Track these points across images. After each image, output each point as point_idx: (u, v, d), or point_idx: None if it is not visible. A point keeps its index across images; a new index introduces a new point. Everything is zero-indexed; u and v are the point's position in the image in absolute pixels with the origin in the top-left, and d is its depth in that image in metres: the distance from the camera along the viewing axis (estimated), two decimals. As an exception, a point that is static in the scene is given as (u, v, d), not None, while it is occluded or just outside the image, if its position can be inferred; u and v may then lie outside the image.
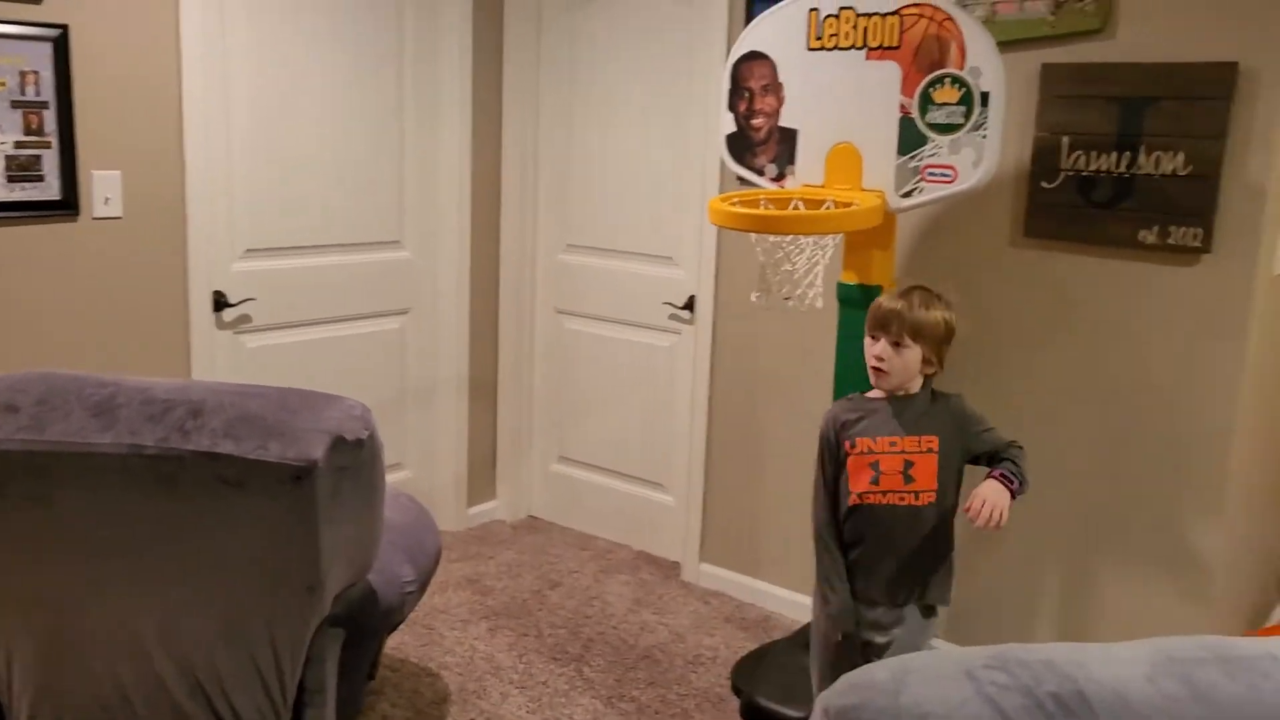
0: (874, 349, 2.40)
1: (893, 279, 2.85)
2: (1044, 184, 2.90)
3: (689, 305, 3.69)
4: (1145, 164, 2.75)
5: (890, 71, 2.66)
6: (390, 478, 3.91)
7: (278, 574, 2.13)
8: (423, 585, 2.69)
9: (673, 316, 3.77)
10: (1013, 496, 2.30)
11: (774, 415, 3.52)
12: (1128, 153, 2.76)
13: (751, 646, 3.29)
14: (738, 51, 2.89)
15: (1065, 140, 2.85)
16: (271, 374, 3.52)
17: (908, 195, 2.68)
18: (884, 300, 2.42)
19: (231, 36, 3.28)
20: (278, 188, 3.47)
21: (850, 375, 2.88)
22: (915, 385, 2.41)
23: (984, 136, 2.57)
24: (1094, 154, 2.81)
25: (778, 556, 3.57)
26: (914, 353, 2.36)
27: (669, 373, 3.82)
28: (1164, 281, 2.79)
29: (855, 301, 2.82)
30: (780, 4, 2.81)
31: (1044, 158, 2.88)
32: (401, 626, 3.31)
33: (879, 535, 2.39)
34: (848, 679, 1.27)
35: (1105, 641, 2.95)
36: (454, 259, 3.95)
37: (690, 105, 3.61)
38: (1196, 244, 2.70)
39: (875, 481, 2.37)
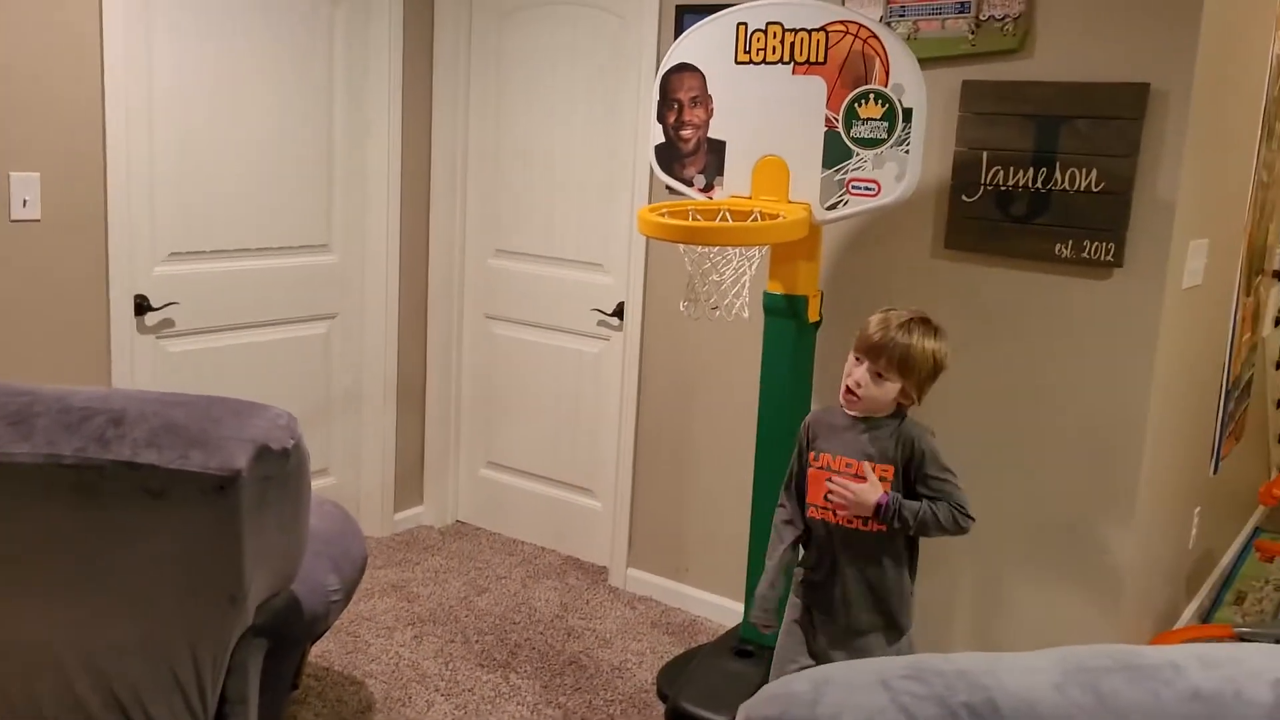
0: (854, 373, 2.30)
1: (818, 288, 2.91)
2: (964, 198, 2.97)
3: (618, 312, 3.72)
4: (1061, 180, 2.83)
5: (816, 86, 2.71)
6: (316, 484, 3.87)
7: (199, 584, 2.10)
8: (348, 594, 2.67)
9: (601, 323, 3.78)
10: (878, 515, 2.26)
11: (701, 422, 3.56)
12: (1044, 169, 2.85)
13: (678, 651, 3.32)
14: (667, 63, 2.92)
15: (985, 156, 2.93)
16: (195, 379, 3.46)
17: (833, 208, 2.74)
18: (879, 326, 2.29)
19: (156, 36, 3.21)
20: (203, 190, 3.41)
21: (775, 383, 2.93)
22: (886, 411, 2.34)
23: (906, 151, 2.64)
24: (1012, 170, 2.90)
25: (704, 561, 3.61)
26: (894, 386, 2.28)
27: (597, 379, 3.84)
28: (1078, 294, 2.88)
29: (781, 311, 2.87)
30: (709, 17, 2.84)
31: (964, 172, 2.96)
32: (326, 634, 3.27)
33: (825, 551, 2.39)
34: (767, 689, 1.30)
35: (1020, 646, 3.04)
36: (382, 263, 3.92)
37: (621, 115, 3.63)
38: (1109, 258, 2.80)
39: (826, 498, 2.36)
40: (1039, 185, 2.86)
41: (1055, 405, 2.94)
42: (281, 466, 2.10)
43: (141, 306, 3.29)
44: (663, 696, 3.05)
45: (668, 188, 3.04)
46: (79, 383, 3.14)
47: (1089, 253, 2.82)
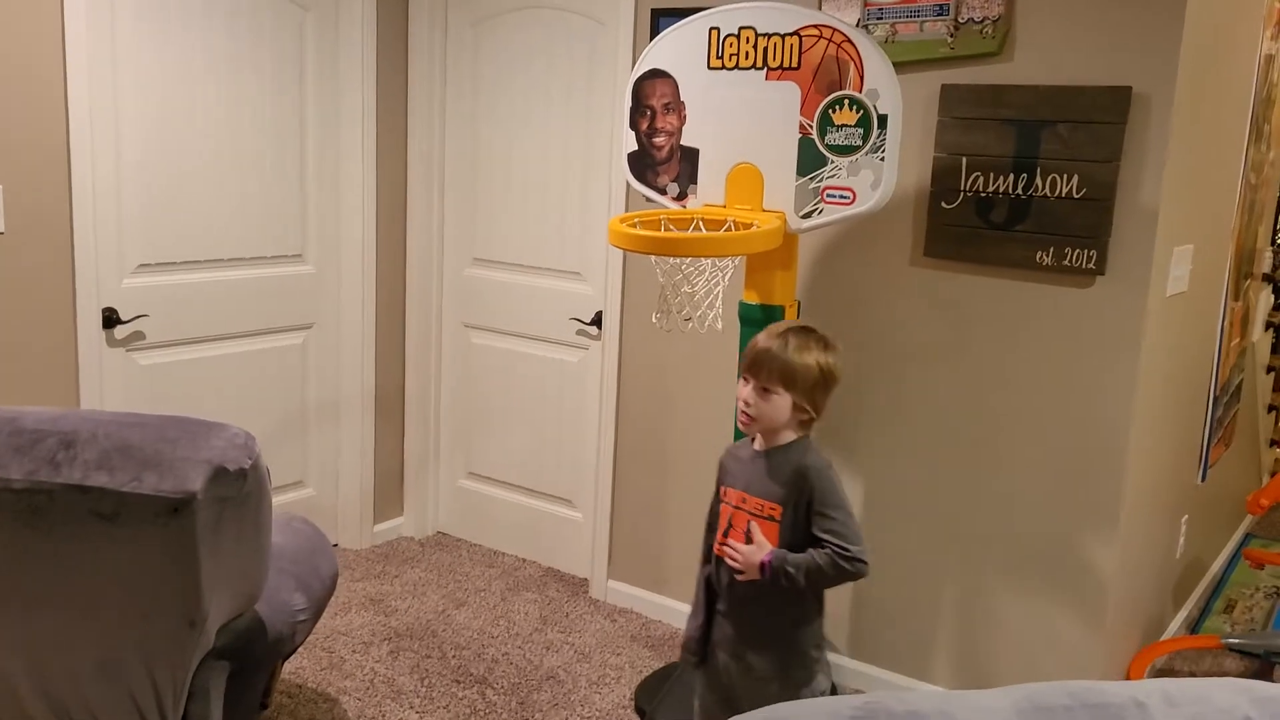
0: (743, 392, 2.20)
1: (794, 298, 2.86)
2: (944, 204, 2.92)
3: (596, 321, 3.67)
4: (1041, 186, 2.79)
5: (790, 92, 2.66)
6: (292, 495, 3.84)
7: (155, 608, 2.06)
8: (316, 612, 2.63)
9: (580, 332, 3.73)
10: (762, 574, 2.14)
11: (680, 431, 3.51)
12: (1024, 175, 2.80)
13: (657, 665, 3.27)
14: (639, 69, 2.87)
15: (964, 161, 2.88)
16: (167, 393, 3.41)
17: (808, 216, 2.69)
18: (759, 339, 2.22)
19: (121, 43, 3.16)
20: (173, 200, 3.36)
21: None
22: (787, 436, 2.21)
23: (882, 159, 2.59)
24: (992, 175, 2.85)
25: (685, 573, 3.56)
26: (783, 400, 2.15)
27: (577, 388, 3.79)
28: (1060, 302, 2.83)
29: (757, 321, 2.82)
30: (681, 22, 2.79)
31: (944, 178, 2.91)
32: (301, 650, 3.23)
33: (730, 593, 2.25)
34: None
35: (1003, 662, 2.99)
36: (358, 273, 3.87)
37: (596, 122, 3.58)
38: (1091, 266, 2.75)
39: (726, 534, 2.24)
40: (1019, 191, 2.81)
41: (1036, 415, 2.89)
42: (238, 487, 2.05)
43: (110, 319, 3.24)
44: (640, 713, 3.01)
45: (645, 197, 2.99)
46: (48, 398, 3.09)
47: (1070, 260, 2.77)
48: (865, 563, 2.14)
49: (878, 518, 3.16)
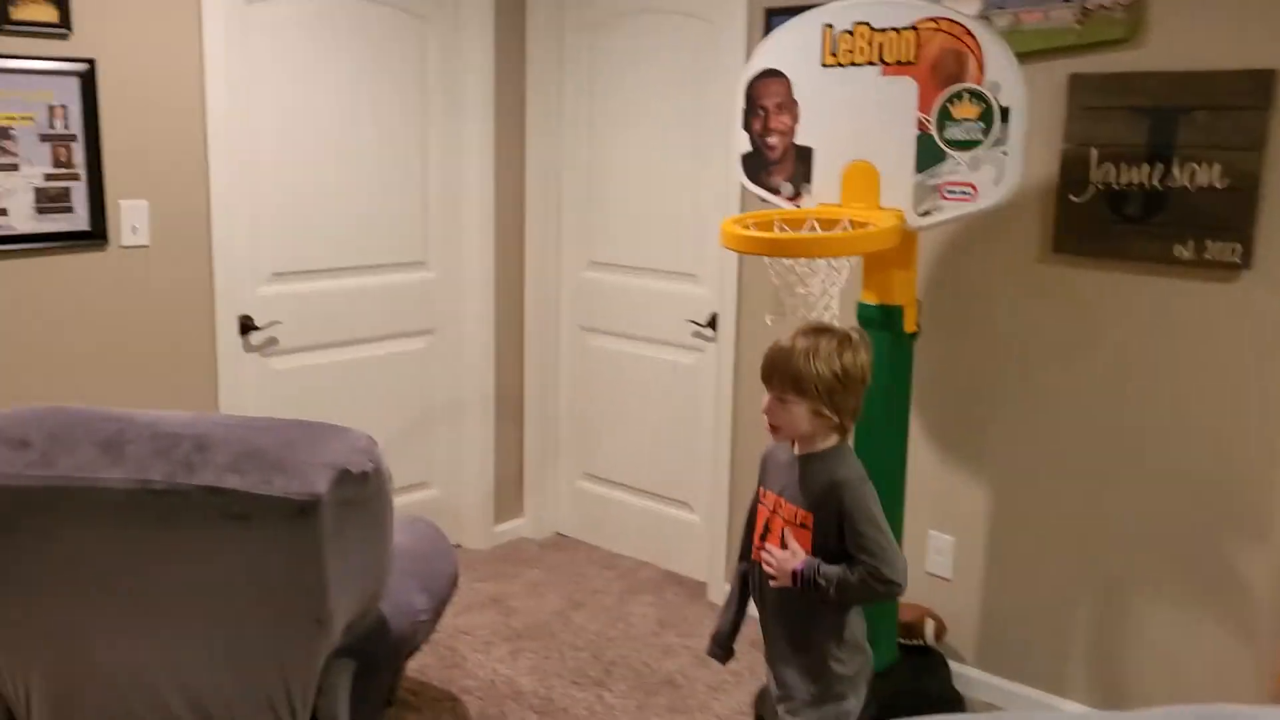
0: (764, 402, 2.14)
1: (914, 298, 2.79)
2: (1072, 198, 2.81)
3: (712, 323, 3.65)
4: (1179, 177, 2.65)
5: (907, 87, 2.59)
6: (417, 496, 3.93)
7: (285, 607, 2.13)
8: (438, 612, 2.68)
9: (696, 334, 3.72)
10: (795, 583, 2.07)
11: (800, 434, 3.46)
12: (1160, 165, 2.67)
13: (777, 671, 3.24)
14: (752, 69, 2.84)
15: (1094, 153, 2.76)
16: (299, 396, 3.54)
17: (926, 214, 2.62)
18: (776, 342, 2.12)
19: (255, 67, 3.30)
20: (303, 211, 3.49)
21: (870, 397, 2.81)
22: (823, 442, 2.11)
23: (1005, 153, 2.50)
24: (1125, 166, 2.72)
25: (806, 577, 3.51)
26: (800, 408, 2.06)
27: (693, 390, 3.78)
28: (1201, 299, 2.69)
29: (876, 322, 2.76)
30: (794, 20, 2.75)
31: (1072, 171, 2.80)
32: (425, 648, 3.30)
33: (761, 597, 2.22)
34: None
35: (1145, 674, 2.85)
36: (479, 278, 3.95)
37: (710, 123, 3.57)
38: (1235, 259, 2.61)
39: (763, 538, 2.18)
40: (1155, 183, 2.68)
41: (1177, 419, 2.75)
42: (361, 490, 2.11)
43: (246, 326, 3.38)
44: (759, 719, 2.98)
45: (759, 197, 2.96)
46: (190, 402, 3.24)
47: (1212, 254, 2.64)
48: (899, 584, 2.04)
49: (1007, 524, 3.06)
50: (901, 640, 3.03)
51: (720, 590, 3.72)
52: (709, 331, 3.68)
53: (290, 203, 3.46)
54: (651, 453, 3.96)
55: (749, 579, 2.29)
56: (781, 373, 2.07)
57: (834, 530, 2.06)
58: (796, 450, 2.16)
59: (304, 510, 2.03)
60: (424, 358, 3.93)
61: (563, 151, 4.02)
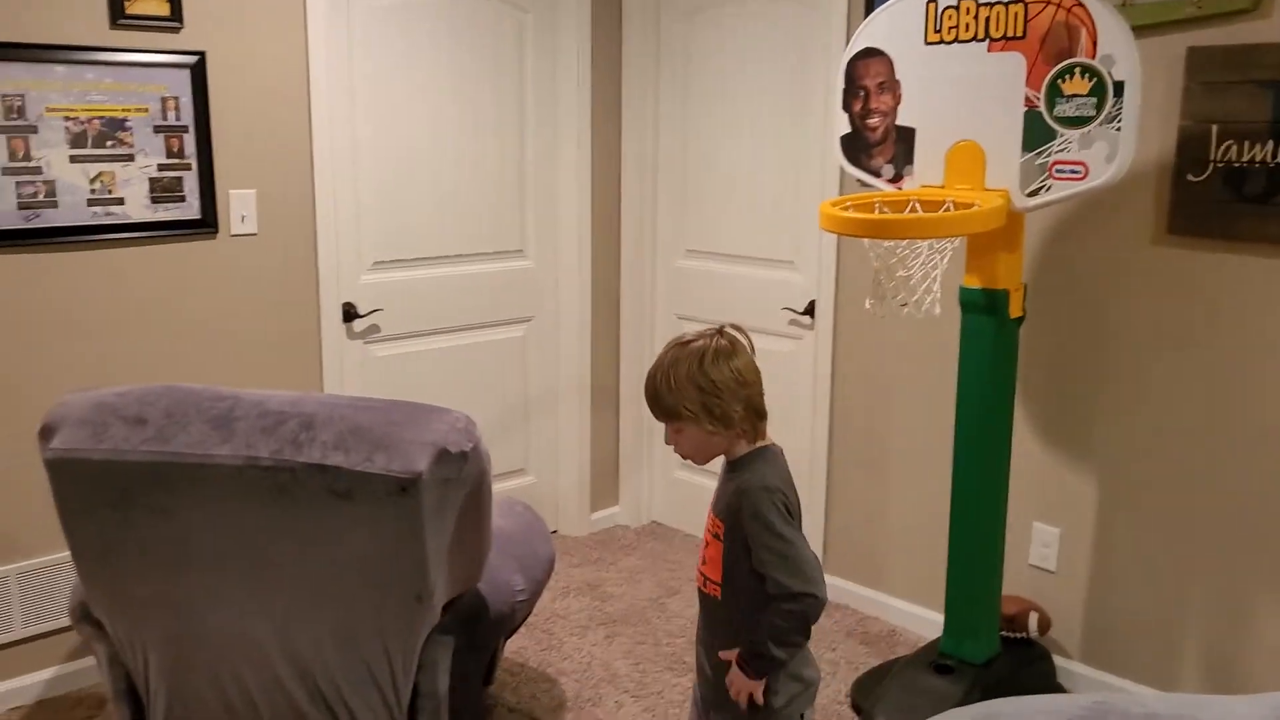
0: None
1: (1020, 281, 2.71)
2: (1190, 177, 2.70)
3: (809, 310, 3.60)
4: (1305, 154, 2.53)
5: (1014, 63, 2.52)
6: (513, 483, 3.97)
7: (386, 583, 2.17)
8: (535, 593, 2.70)
9: (793, 322, 3.68)
10: (754, 675, 1.92)
11: (897, 423, 3.40)
12: (1285, 142, 2.55)
13: (874, 662, 3.19)
14: (852, 49, 2.80)
15: (1214, 130, 2.65)
16: (399, 383, 3.60)
17: (1034, 194, 2.54)
18: (650, 371, 1.99)
19: (357, 58, 3.37)
20: (403, 201, 3.55)
21: (974, 383, 2.75)
22: (738, 450, 1.97)
23: (1118, 129, 2.41)
24: (1247, 144, 2.60)
25: (902, 569, 3.45)
26: (689, 432, 1.94)
27: (789, 379, 3.74)
28: (1326, 281, 2.56)
29: (979, 306, 2.70)
30: (896, -2, 2.70)
31: (1190, 149, 2.69)
32: (522, 630, 3.34)
33: (699, 617, 2.11)
34: (929, 723, 1.19)
35: (1265, 672, 2.73)
36: (575, 267, 3.97)
37: (809, 106, 3.52)
38: (1363, 240, 2.47)
39: (704, 561, 2.04)
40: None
41: (1300, 405, 2.63)
42: (460, 469, 2.13)
43: (349, 313, 3.45)
44: (857, 709, 2.93)
45: (858, 180, 2.91)
46: (295, 386, 3.32)
47: (1341, 234, 2.50)
48: (813, 594, 1.87)
49: (1116, 516, 2.95)
50: (1004, 632, 2.96)
51: (816, 580, 3.67)
52: (806, 319, 3.63)
53: (391, 192, 3.52)
54: (747, 441, 3.92)
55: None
56: (654, 404, 1.96)
57: (741, 540, 1.92)
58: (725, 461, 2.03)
59: (405, 488, 2.06)
60: (521, 346, 3.96)
61: (659, 139, 4.01)
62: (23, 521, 2.89)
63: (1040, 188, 2.53)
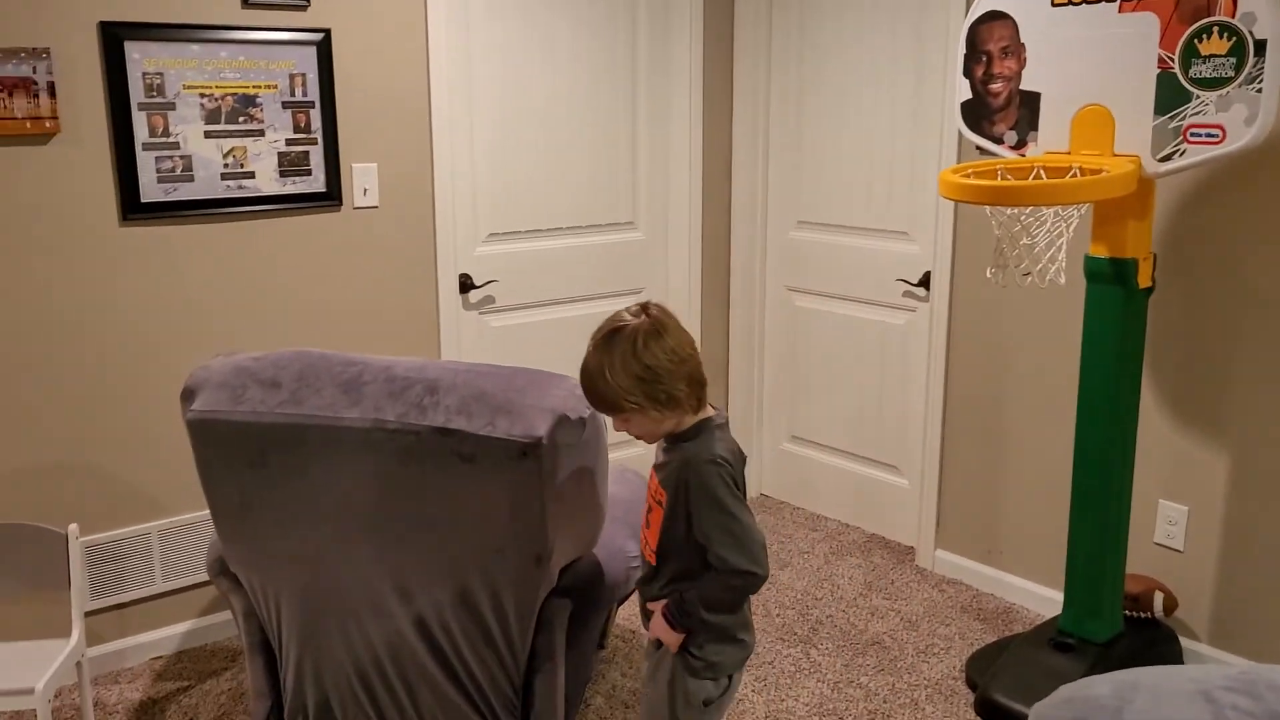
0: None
1: (1149, 250, 2.62)
2: (1335, 140, 2.57)
3: (924, 282, 3.55)
4: None
5: (1147, 24, 2.43)
6: (624, 453, 4.01)
7: (507, 544, 2.22)
8: (648, 561, 2.73)
9: (907, 294, 3.63)
10: (676, 625, 1.94)
11: (1016, 396, 3.33)
12: None
13: (989, 639, 3.14)
14: (975, 13, 2.73)
15: (1363, 90, 2.51)
16: (513, 352, 3.67)
17: (1167, 159, 2.45)
18: (583, 365, 1.97)
19: (475, 34, 3.42)
20: (517, 174, 3.61)
21: (1099, 356, 2.68)
22: (686, 420, 1.92)
23: (1258, 91, 2.31)
24: (1398, 104, 2.46)
25: (1019, 545, 3.39)
26: (636, 419, 1.90)
27: (903, 351, 3.69)
28: None
29: (1106, 276, 2.62)
30: (1022, -41, 2.62)
31: (1335, 111, 2.55)
32: (633, 600, 3.38)
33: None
34: (1064, 691, 1.18)
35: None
36: (685, 239, 3.98)
37: (926, 74, 3.45)
38: None
39: (647, 525, 2.05)
40: None
41: None
42: (578, 434, 2.17)
43: (465, 285, 3.53)
44: (972, 685, 2.90)
45: (977, 148, 2.85)
46: (413, 355, 3.41)
47: None
48: (755, 573, 1.86)
49: (1248, 494, 2.85)
50: (1127, 612, 2.89)
51: (930, 556, 3.63)
52: (921, 291, 3.58)
53: (506, 165, 3.57)
54: (858, 415, 3.90)
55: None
56: (594, 399, 1.93)
57: (683, 512, 1.90)
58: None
59: (525, 452, 2.11)
60: (631, 317, 3.99)
61: (770, 110, 3.99)
62: (163, 482, 3.05)
63: (1173, 152, 2.44)
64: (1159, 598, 2.90)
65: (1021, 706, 2.66)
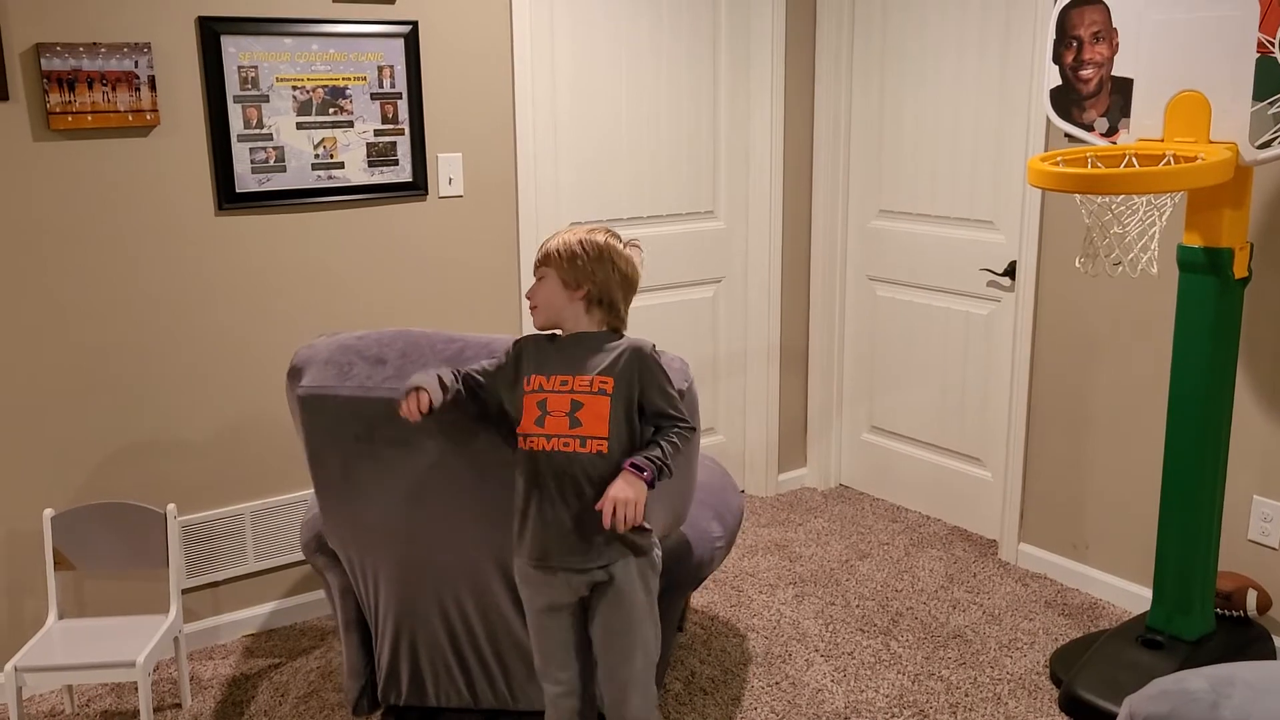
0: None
1: (1245, 240, 2.55)
2: None
3: (1009, 271, 3.49)
4: None
5: (1246, 7, 2.36)
6: (703, 441, 4.02)
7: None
8: (729, 543, 2.74)
9: (991, 284, 3.58)
10: (650, 486, 2.02)
11: (1103, 388, 3.26)
12: None
13: (1075, 634, 3.09)
14: (1066, -3, 2.68)
15: None
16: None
17: (1266, 146, 2.38)
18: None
19: (558, 25, 3.45)
20: (600, 163, 3.63)
21: (1192, 347, 2.62)
22: (584, 323, 2.12)
23: (1365, 74, 2.23)
24: None
25: (1106, 540, 3.32)
26: (549, 283, 2.12)
27: (986, 342, 3.64)
28: None
29: (1200, 266, 2.56)
30: (1116, -59, 2.56)
31: None
32: (710, 587, 3.40)
33: (531, 484, 2.10)
34: (1159, 684, 1.17)
35: None
36: (765, 228, 3.97)
37: (1014, 59, 3.39)
38: None
39: (540, 423, 2.07)
40: None
41: None
42: (681, 405, 2.19)
43: (547, 273, 3.56)
44: (1056, 681, 2.86)
45: (1066, 135, 2.80)
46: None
47: None
48: (695, 427, 2.15)
49: (1347, 491, 2.76)
50: (1219, 610, 2.82)
51: (1013, 549, 3.58)
52: (1005, 281, 3.52)
53: (588, 155, 3.60)
54: (940, 406, 3.86)
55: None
56: (556, 252, 2.13)
57: (632, 394, 2.08)
58: (564, 334, 2.16)
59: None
60: (712, 306, 4.00)
61: (853, 96, 3.95)
62: (256, 464, 3.14)
63: (1273, 139, 2.37)
64: (1253, 596, 2.82)
65: (1108, 704, 2.62)
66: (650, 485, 2.02)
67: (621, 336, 2.15)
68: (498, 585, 2.34)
